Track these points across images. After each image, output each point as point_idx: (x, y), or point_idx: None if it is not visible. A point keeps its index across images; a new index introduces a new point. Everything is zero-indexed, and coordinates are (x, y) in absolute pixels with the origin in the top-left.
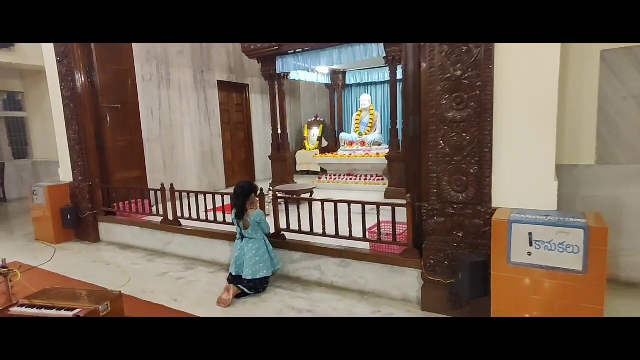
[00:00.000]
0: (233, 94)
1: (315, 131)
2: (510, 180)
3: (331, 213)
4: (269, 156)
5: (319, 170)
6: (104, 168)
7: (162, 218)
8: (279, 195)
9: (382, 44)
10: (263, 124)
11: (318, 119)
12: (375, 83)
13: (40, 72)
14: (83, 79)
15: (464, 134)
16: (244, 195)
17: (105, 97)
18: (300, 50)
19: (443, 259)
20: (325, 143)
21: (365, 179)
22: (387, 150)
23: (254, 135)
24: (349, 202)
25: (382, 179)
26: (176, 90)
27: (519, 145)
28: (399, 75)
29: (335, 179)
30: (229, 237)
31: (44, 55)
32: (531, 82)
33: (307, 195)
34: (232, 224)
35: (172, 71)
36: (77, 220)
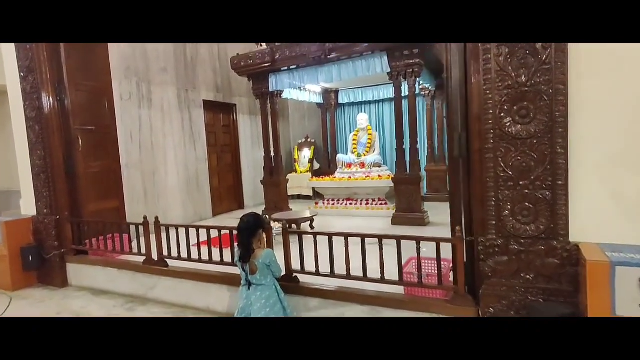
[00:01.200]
0: (220, 115)
1: (306, 153)
2: (593, 208)
3: (355, 248)
4: (260, 181)
5: (312, 195)
6: (75, 199)
7: (144, 258)
8: (288, 228)
9: (385, 59)
10: (252, 147)
11: (309, 140)
12: (370, 102)
13: (3, 93)
14: (51, 97)
15: (532, 153)
16: (249, 232)
17: (77, 118)
18: (295, 66)
19: (507, 308)
20: (317, 165)
21: (367, 204)
22: (388, 172)
23: (242, 158)
24: (380, 237)
25: (385, 203)
26: (158, 110)
27: (606, 165)
28: (405, 92)
29: (333, 204)
30: (228, 280)
31: (5, 71)
32: (623, 90)
33: (308, 224)
34: (231, 264)
35: (154, 89)
36: (41, 261)
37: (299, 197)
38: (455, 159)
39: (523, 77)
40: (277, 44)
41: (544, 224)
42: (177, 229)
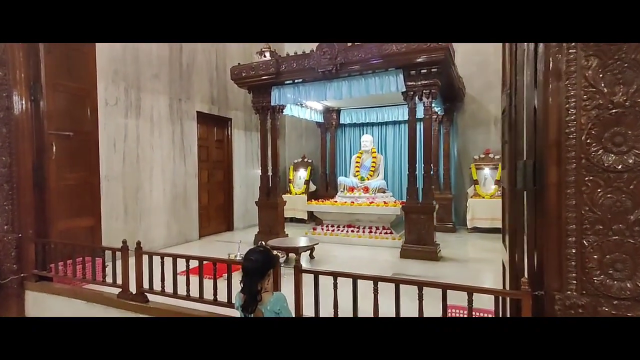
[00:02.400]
0: (213, 128)
1: (302, 173)
2: None
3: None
4: (256, 202)
5: (306, 218)
6: (42, 215)
7: (119, 290)
8: (298, 264)
9: (401, 77)
10: (245, 164)
11: (306, 159)
12: (373, 124)
13: None
14: (24, 96)
15: (628, 190)
16: (259, 275)
17: (52, 122)
18: (301, 80)
19: None
20: (313, 187)
21: (370, 232)
22: (393, 199)
23: (235, 176)
24: (420, 284)
25: (391, 233)
26: (147, 119)
27: None
28: (420, 113)
29: (333, 230)
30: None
31: None
32: None
33: (308, 253)
34: (227, 305)
35: (144, 97)
36: None
37: (291, 219)
38: (518, 192)
39: (620, 95)
40: (282, 55)
41: None
42: (162, 258)
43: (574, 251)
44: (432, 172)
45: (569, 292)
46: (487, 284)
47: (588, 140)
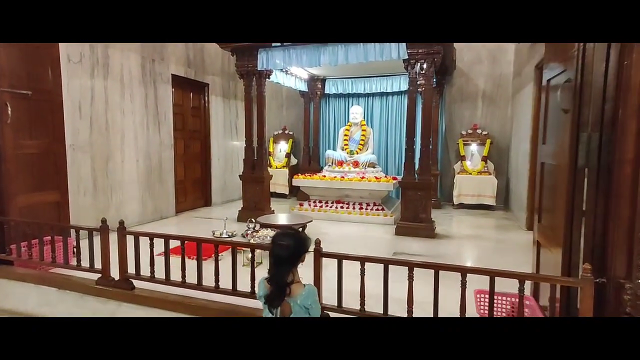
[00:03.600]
0: (189, 94)
1: (283, 146)
2: None
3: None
4: (239, 175)
5: (287, 193)
6: None
7: (99, 275)
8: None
9: (403, 44)
10: (224, 135)
11: (287, 131)
12: (359, 95)
13: None
14: None
15: None
16: (290, 262)
17: (5, 78)
18: (292, 42)
19: None
20: (294, 160)
21: (361, 208)
22: (383, 174)
23: (213, 147)
24: (464, 271)
25: (382, 209)
26: (117, 80)
27: None
28: (400, 86)
29: (321, 206)
30: (226, 312)
31: None
32: None
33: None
34: (232, 293)
35: (113, 54)
36: None
37: (272, 194)
38: (579, 171)
39: None
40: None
41: None
42: (151, 239)
43: None
44: (430, 147)
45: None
46: (496, 264)
47: None
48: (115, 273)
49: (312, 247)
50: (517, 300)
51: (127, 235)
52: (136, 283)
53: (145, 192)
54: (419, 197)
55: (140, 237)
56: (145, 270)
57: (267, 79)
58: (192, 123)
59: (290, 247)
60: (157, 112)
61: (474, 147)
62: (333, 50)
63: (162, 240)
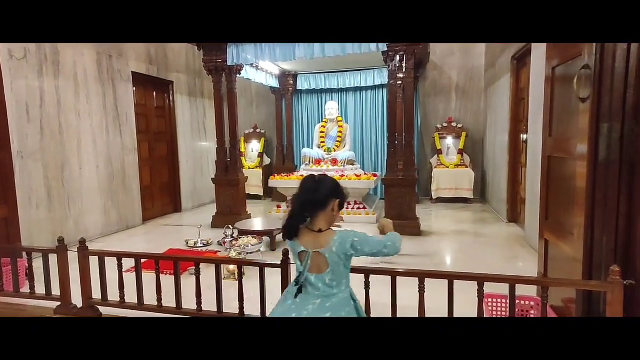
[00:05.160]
0: (152, 93)
1: (255, 145)
2: None
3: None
4: (212, 179)
5: (262, 194)
6: None
7: (57, 303)
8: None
9: None
10: (192, 135)
11: (258, 130)
12: (332, 90)
13: None
14: None
15: None
16: (320, 203)
17: None
18: None
19: None
20: (267, 160)
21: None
22: (362, 171)
23: (180, 149)
24: (482, 279)
25: (364, 207)
26: (69, 79)
27: None
28: (376, 80)
29: None
30: None
31: None
32: None
33: (280, 235)
34: (216, 313)
35: (64, 50)
36: None
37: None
38: (600, 164)
39: None
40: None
41: None
42: (119, 259)
43: None
44: (414, 142)
45: None
46: (489, 260)
47: None
48: (77, 299)
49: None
50: (525, 303)
51: (91, 256)
52: (103, 310)
53: (108, 200)
54: (403, 194)
55: (106, 258)
56: (113, 294)
57: (238, 75)
58: (156, 124)
59: (321, 183)
60: (117, 113)
61: (449, 140)
62: (309, 43)
63: (136, 260)
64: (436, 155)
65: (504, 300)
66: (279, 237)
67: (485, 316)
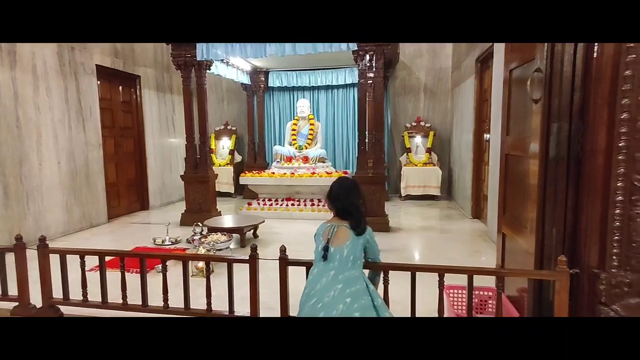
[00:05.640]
0: (118, 87)
1: (226, 142)
2: None
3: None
4: (181, 176)
5: (233, 192)
6: None
7: (15, 304)
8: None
9: None
10: (159, 131)
11: (229, 127)
12: (304, 88)
13: None
14: None
15: None
16: (355, 193)
17: None
18: None
19: None
20: (239, 157)
21: (312, 205)
22: (333, 169)
23: (148, 145)
24: (442, 271)
25: None
26: (27, 72)
27: None
28: (347, 79)
29: (271, 204)
30: None
31: None
32: None
33: (251, 232)
34: (185, 312)
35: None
36: None
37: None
38: (550, 161)
39: None
40: None
41: None
42: (82, 257)
43: (619, 224)
44: (384, 140)
45: (613, 270)
46: (453, 254)
47: None
48: (36, 299)
49: (277, 255)
50: (484, 293)
51: (51, 254)
52: (65, 309)
53: (71, 197)
54: (373, 191)
55: (67, 255)
56: (75, 293)
57: (208, 71)
58: (123, 119)
59: (349, 180)
60: (80, 107)
61: (418, 139)
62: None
63: (100, 258)
64: (405, 154)
65: (464, 292)
66: (249, 233)
67: (445, 306)
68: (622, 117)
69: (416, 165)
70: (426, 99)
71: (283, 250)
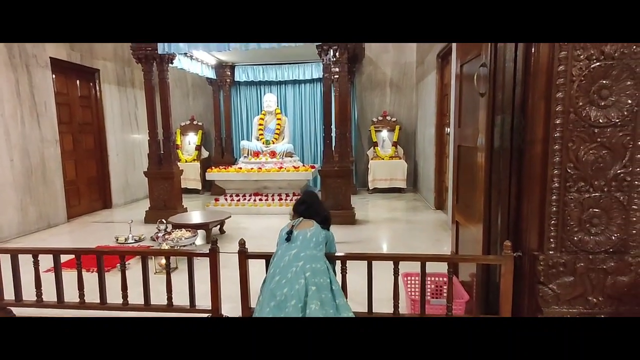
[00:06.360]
0: (76, 81)
1: (192, 138)
2: None
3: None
4: (144, 172)
5: (200, 188)
6: None
7: None
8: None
9: None
10: (122, 127)
11: (195, 122)
12: (271, 82)
13: None
14: None
15: (609, 145)
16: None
17: None
18: None
19: None
20: (206, 153)
21: (280, 199)
22: (301, 163)
23: (109, 141)
24: (396, 259)
25: None
26: None
27: None
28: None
29: (238, 200)
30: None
31: None
32: None
33: (217, 228)
34: (144, 308)
35: None
36: None
37: (183, 190)
38: (495, 152)
39: (610, 46)
40: None
41: (616, 233)
42: (35, 256)
43: (555, 209)
44: (351, 134)
45: (551, 252)
46: (416, 243)
47: (577, 94)
48: None
49: (236, 249)
50: (440, 279)
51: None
52: (17, 311)
53: (26, 196)
54: (338, 184)
55: (19, 255)
56: (29, 294)
57: (170, 65)
58: (81, 115)
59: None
60: (34, 102)
61: (384, 133)
62: None
63: (55, 256)
64: (372, 148)
65: (417, 278)
66: (216, 230)
67: (402, 292)
68: (557, 109)
69: (383, 159)
70: (392, 94)
71: (242, 243)
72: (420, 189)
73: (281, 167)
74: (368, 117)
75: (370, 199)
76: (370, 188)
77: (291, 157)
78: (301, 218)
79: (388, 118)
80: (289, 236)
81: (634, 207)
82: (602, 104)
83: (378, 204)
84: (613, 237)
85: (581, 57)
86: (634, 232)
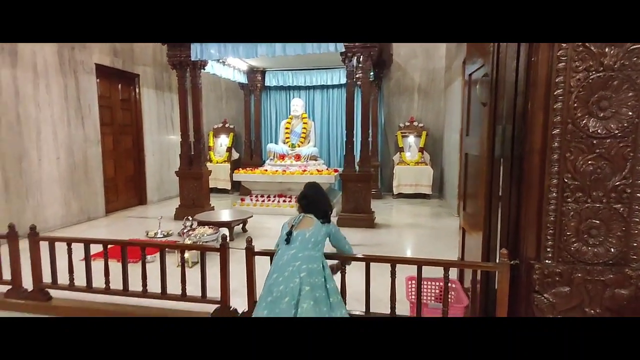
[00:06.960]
0: (117, 85)
1: (224, 140)
2: None
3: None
4: (176, 172)
5: (229, 188)
6: None
7: (9, 287)
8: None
9: None
10: (158, 129)
11: (227, 125)
12: (300, 87)
13: None
14: None
15: (608, 157)
16: (325, 198)
17: None
18: None
19: None
20: (236, 155)
21: None
22: (325, 167)
23: (146, 142)
24: (393, 261)
25: None
26: (28, 69)
27: None
28: (339, 79)
29: (263, 200)
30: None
31: None
32: None
33: (240, 227)
34: (162, 297)
35: None
36: None
37: (212, 190)
38: (496, 160)
39: (609, 57)
40: None
41: (615, 245)
42: (69, 244)
43: (552, 219)
44: (370, 139)
45: (547, 261)
46: (429, 249)
47: (575, 105)
48: (28, 283)
49: (243, 246)
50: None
51: (42, 242)
52: (54, 293)
53: (69, 192)
54: (359, 188)
55: (56, 243)
56: (63, 279)
57: (202, 70)
58: (122, 117)
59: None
60: (79, 105)
61: (411, 138)
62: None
63: (85, 245)
64: (398, 153)
65: (427, 282)
66: (238, 228)
67: (406, 297)
68: (555, 119)
69: (408, 165)
70: (420, 99)
71: (249, 241)
72: (445, 195)
73: (305, 170)
74: (395, 122)
75: (395, 204)
76: (395, 193)
77: (316, 160)
78: (302, 215)
79: (415, 124)
80: (288, 237)
81: (635, 219)
82: (602, 115)
83: (401, 209)
84: (612, 249)
85: (579, 68)
86: (635, 244)
